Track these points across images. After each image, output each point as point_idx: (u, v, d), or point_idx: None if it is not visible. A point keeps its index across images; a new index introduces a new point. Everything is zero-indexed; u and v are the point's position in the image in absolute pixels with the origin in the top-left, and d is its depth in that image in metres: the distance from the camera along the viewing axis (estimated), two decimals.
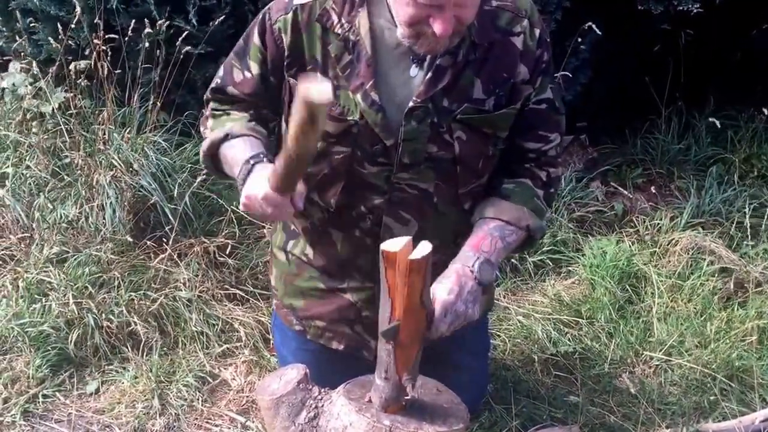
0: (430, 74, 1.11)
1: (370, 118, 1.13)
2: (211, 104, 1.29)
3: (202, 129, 1.31)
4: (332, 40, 1.11)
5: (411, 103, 1.12)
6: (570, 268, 2.11)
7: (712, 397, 1.65)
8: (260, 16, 1.18)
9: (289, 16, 1.12)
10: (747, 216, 2.27)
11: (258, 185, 1.08)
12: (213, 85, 1.27)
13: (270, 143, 1.25)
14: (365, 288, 1.34)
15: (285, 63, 1.15)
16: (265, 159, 1.14)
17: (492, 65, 1.13)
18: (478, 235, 1.18)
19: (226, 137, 1.20)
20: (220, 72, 1.26)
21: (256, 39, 1.17)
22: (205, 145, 1.24)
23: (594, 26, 2.03)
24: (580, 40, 2.08)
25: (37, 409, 1.60)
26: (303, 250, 1.36)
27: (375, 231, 1.25)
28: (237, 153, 1.17)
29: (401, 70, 1.13)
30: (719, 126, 2.59)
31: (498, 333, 1.85)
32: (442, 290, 1.11)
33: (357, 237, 1.27)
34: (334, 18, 1.11)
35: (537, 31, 1.16)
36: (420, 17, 1.03)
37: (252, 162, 1.14)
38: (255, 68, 1.19)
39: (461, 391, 1.22)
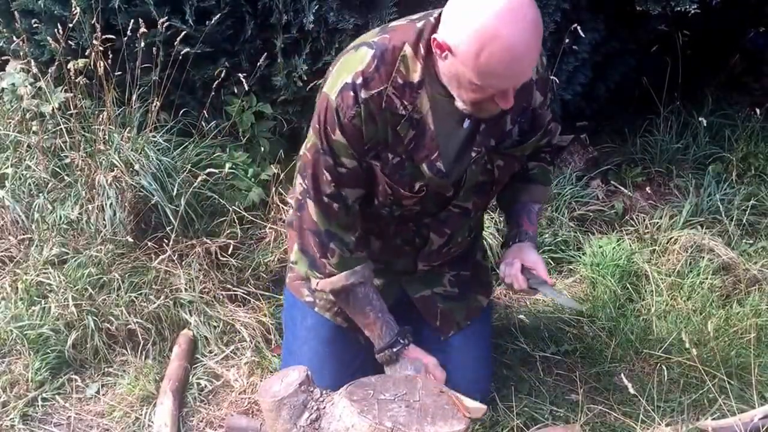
0: (483, 126, 1.26)
1: (434, 183, 1.29)
2: (329, 228, 1.31)
3: (317, 275, 1.35)
4: (399, 122, 1.22)
5: (474, 154, 1.28)
6: (571, 267, 2.12)
7: (711, 395, 1.66)
8: (327, 115, 1.21)
9: (363, 109, 1.20)
10: (745, 214, 2.28)
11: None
12: (313, 208, 1.29)
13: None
14: (392, 279, 1.47)
15: (366, 148, 1.24)
16: (401, 345, 1.35)
17: (516, 100, 1.22)
18: (534, 218, 1.46)
19: (354, 285, 1.33)
20: (310, 192, 1.28)
21: (339, 137, 1.22)
22: (332, 284, 1.33)
23: (579, 28, 2.05)
24: (568, 41, 2.10)
25: (36, 413, 1.59)
26: None
27: (416, 242, 1.41)
28: (369, 316, 1.35)
29: (458, 130, 1.26)
30: (717, 125, 2.61)
31: (499, 332, 1.85)
32: (538, 259, 1.40)
33: (397, 245, 1.42)
34: (397, 102, 1.21)
35: (543, 58, 1.30)
36: (484, 99, 1.15)
37: (395, 350, 1.35)
38: (350, 163, 1.26)
39: (463, 372, 1.28)
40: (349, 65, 1.21)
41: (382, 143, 1.24)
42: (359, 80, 1.19)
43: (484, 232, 1.79)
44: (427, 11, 1.23)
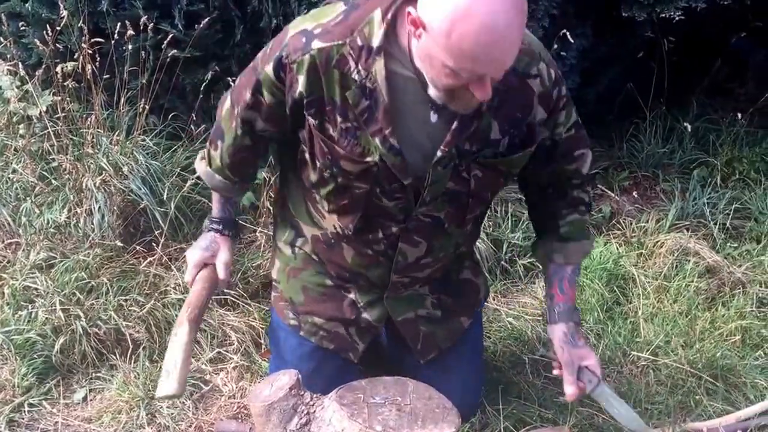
0: (456, 124, 1.15)
1: (389, 161, 1.17)
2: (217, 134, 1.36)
3: (209, 147, 1.40)
4: (350, 86, 1.13)
5: (439, 153, 1.17)
6: None
7: (697, 396, 1.68)
8: (276, 52, 1.16)
9: (306, 58, 1.13)
10: (729, 217, 2.32)
11: (193, 256, 1.39)
12: (226, 104, 1.30)
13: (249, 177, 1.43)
14: (371, 292, 1.40)
15: (304, 102, 1.17)
16: (212, 227, 1.41)
17: (508, 107, 1.16)
18: (566, 286, 1.39)
19: (211, 186, 1.43)
20: (232, 95, 1.29)
21: (270, 72, 1.17)
22: (200, 172, 1.44)
23: (568, 34, 2.07)
24: (556, 47, 2.12)
25: (23, 419, 1.57)
26: (313, 249, 1.40)
27: (389, 253, 1.32)
28: (213, 198, 1.45)
29: (420, 116, 1.16)
30: (702, 130, 2.65)
31: (488, 335, 1.87)
32: (586, 353, 1.39)
33: (369, 255, 1.33)
34: (351, 64, 1.12)
35: (552, 72, 1.20)
36: (459, 86, 1.05)
37: (205, 227, 1.42)
38: (268, 97, 1.21)
39: (453, 395, 1.24)
40: (320, 14, 1.16)
41: (328, 102, 1.15)
42: (317, 30, 1.13)
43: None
44: None
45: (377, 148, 1.16)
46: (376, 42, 1.10)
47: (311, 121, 1.18)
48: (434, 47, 1.02)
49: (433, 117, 1.16)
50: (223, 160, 1.34)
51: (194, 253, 1.39)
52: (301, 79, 1.14)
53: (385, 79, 1.11)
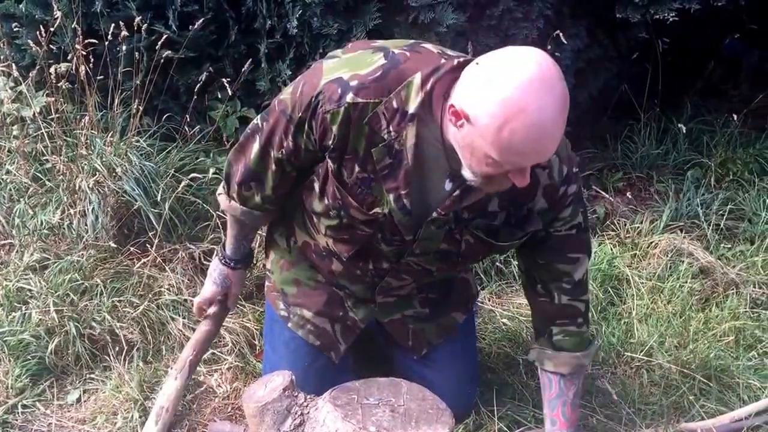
0: (458, 192, 1.17)
1: (397, 217, 1.21)
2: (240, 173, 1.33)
3: (225, 187, 1.38)
4: (377, 143, 1.14)
5: (435, 214, 1.20)
6: None
7: (691, 397, 1.69)
8: (309, 97, 1.16)
9: (341, 110, 1.13)
10: (723, 218, 2.33)
11: (206, 290, 1.50)
12: (255, 148, 1.28)
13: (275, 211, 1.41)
14: (360, 300, 1.44)
15: (330, 147, 1.17)
16: (225, 263, 1.46)
17: (512, 187, 1.14)
18: (568, 411, 1.38)
19: (243, 220, 1.39)
20: (261, 138, 1.26)
21: (305, 120, 1.17)
22: (231, 209, 1.38)
23: (562, 35, 2.08)
24: (550, 47, 2.13)
25: (17, 420, 1.57)
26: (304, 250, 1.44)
27: (375, 280, 1.38)
28: (228, 232, 1.44)
29: (436, 181, 1.18)
30: (696, 131, 2.66)
31: (483, 336, 1.87)
32: None
33: (357, 275, 1.37)
34: (383, 123, 1.13)
35: (564, 168, 1.20)
36: (499, 174, 1.07)
37: (220, 259, 1.47)
38: (305, 141, 1.21)
39: (448, 395, 1.26)
40: (357, 63, 1.14)
41: (351, 152, 1.16)
42: (354, 83, 1.12)
43: None
44: (468, 56, 1.15)
45: (389, 203, 1.19)
46: (411, 108, 1.11)
47: (330, 164, 1.20)
48: (479, 140, 1.02)
49: (448, 185, 1.18)
50: (265, 198, 1.33)
51: (209, 289, 1.48)
52: (334, 129, 1.15)
53: (413, 146, 1.13)
